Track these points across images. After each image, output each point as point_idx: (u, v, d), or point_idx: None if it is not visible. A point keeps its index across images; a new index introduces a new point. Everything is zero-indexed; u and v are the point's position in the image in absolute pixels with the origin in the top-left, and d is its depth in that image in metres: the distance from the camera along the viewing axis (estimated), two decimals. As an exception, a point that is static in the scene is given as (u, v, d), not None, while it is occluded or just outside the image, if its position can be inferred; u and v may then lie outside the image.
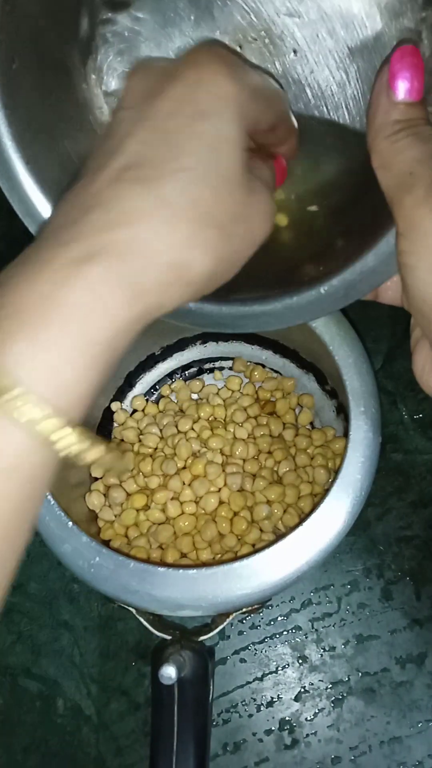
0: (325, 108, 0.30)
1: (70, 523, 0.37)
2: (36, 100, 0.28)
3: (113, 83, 0.31)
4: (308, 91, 0.30)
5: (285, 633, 0.48)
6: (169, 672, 0.37)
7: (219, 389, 0.48)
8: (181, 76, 0.24)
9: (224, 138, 0.23)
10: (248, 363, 0.49)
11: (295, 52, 0.29)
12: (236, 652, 0.48)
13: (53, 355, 0.20)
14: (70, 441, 0.21)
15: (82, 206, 0.23)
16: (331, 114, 0.30)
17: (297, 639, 0.48)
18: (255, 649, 0.48)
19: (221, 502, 0.42)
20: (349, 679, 0.47)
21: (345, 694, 0.46)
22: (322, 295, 0.28)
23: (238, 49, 0.29)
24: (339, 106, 0.30)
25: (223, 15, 0.29)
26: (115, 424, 0.49)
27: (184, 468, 0.43)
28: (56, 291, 0.21)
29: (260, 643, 0.48)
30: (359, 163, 0.29)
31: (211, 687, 0.42)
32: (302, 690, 0.47)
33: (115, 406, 0.49)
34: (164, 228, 0.22)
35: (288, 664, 0.47)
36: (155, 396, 0.51)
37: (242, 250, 0.25)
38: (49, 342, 0.20)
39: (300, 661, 0.47)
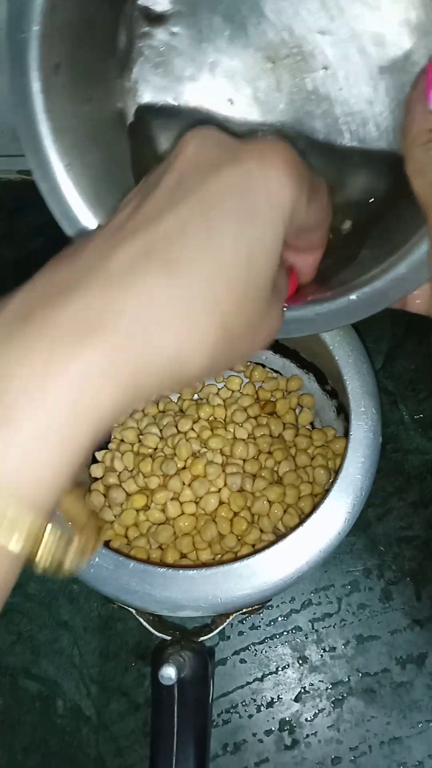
0: (353, 123, 0.30)
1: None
2: (75, 107, 0.29)
3: (147, 95, 0.32)
4: (337, 107, 0.30)
5: (285, 633, 0.48)
6: (169, 672, 0.37)
7: (219, 389, 0.48)
8: (243, 161, 0.22)
9: (265, 247, 0.22)
10: (248, 363, 0.49)
11: (325, 68, 0.30)
12: (236, 653, 0.48)
13: (34, 449, 0.18)
14: (44, 542, 0.19)
15: (94, 267, 0.21)
16: (359, 129, 0.31)
17: (297, 639, 0.48)
18: (255, 649, 0.48)
19: (221, 503, 0.42)
20: (349, 679, 0.47)
21: (345, 695, 0.46)
22: (353, 302, 0.29)
23: (271, 65, 0.30)
24: (366, 122, 0.30)
25: (257, 32, 0.29)
26: (115, 425, 0.49)
27: (184, 468, 0.43)
28: (44, 373, 0.18)
29: (260, 643, 0.48)
30: (386, 178, 0.30)
31: (211, 687, 0.42)
32: (302, 690, 0.47)
33: (115, 406, 0.49)
34: (178, 320, 0.20)
35: (288, 665, 0.47)
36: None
37: (238, 357, 0.23)
38: (32, 433, 0.18)
39: (300, 661, 0.47)
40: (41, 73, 0.27)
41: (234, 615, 0.41)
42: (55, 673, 0.48)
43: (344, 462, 0.38)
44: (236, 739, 0.46)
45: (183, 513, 0.42)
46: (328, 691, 0.47)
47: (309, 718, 0.46)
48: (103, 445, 0.48)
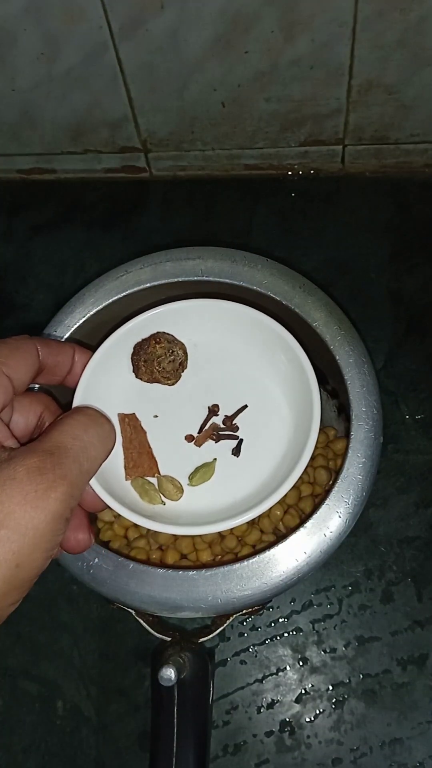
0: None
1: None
2: None
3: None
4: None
5: (286, 635, 0.48)
6: (168, 674, 0.37)
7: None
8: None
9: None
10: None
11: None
12: (236, 654, 0.47)
13: None
14: None
15: None
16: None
17: (298, 641, 0.47)
18: (255, 650, 0.47)
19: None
20: (350, 680, 0.46)
21: (346, 696, 0.46)
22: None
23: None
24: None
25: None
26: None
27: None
28: None
29: (261, 644, 0.48)
30: None
31: (211, 689, 0.41)
32: (303, 692, 0.47)
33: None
34: None
35: (289, 666, 0.47)
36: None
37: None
38: None
39: (301, 662, 0.47)
40: None
41: (234, 616, 0.40)
42: (55, 674, 0.48)
43: (345, 462, 0.37)
44: (236, 740, 0.46)
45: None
46: (329, 692, 0.46)
47: (310, 719, 0.46)
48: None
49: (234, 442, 0.35)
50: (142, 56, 0.50)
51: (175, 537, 0.42)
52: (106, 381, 0.34)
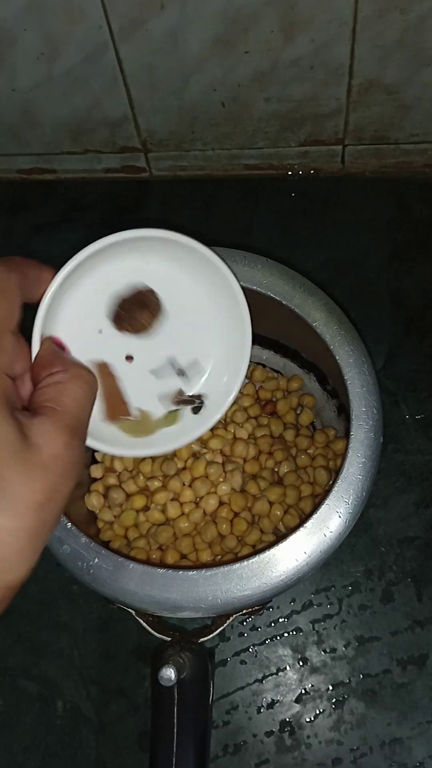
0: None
1: (69, 524, 0.37)
2: None
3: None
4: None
5: (286, 635, 0.48)
6: (168, 674, 0.37)
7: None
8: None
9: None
10: (249, 363, 0.49)
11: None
12: (236, 654, 0.47)
13: None
14: None
15: None
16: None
17: (298, 641, 0.47)
18: (255, 650, 0.47)
19: (221, 503, 0.42)
20: (350, 680, 0.46)
21: (346, 696, 0.46)
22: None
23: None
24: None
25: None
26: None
27: (184, 469, 0.43)
28: None
29: (261, 644, 0.48)
30: None
31: (211, 689, 0.41)
32: (303, 692, 0.47)
33: (114, 406, 0.49)
34: None
35: (289, 666, 0.47)
36: (155, 396, 0.50)
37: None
38: None
39: (301, 662, 0.47)
40: None
41: (234, 616, 0.40)
42: (55, 674, 0.48)
43: (345, 462, 0.37)
44: (236, 740, 0.46)
45: (183, 513, 0.42)
46: (329, 692, 0.46)
47: (310, 719, 0.46)
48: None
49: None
50: (142, 56, 0.50)
51: (175, 537, 0.42)
52: (68, 315, 0.34)
